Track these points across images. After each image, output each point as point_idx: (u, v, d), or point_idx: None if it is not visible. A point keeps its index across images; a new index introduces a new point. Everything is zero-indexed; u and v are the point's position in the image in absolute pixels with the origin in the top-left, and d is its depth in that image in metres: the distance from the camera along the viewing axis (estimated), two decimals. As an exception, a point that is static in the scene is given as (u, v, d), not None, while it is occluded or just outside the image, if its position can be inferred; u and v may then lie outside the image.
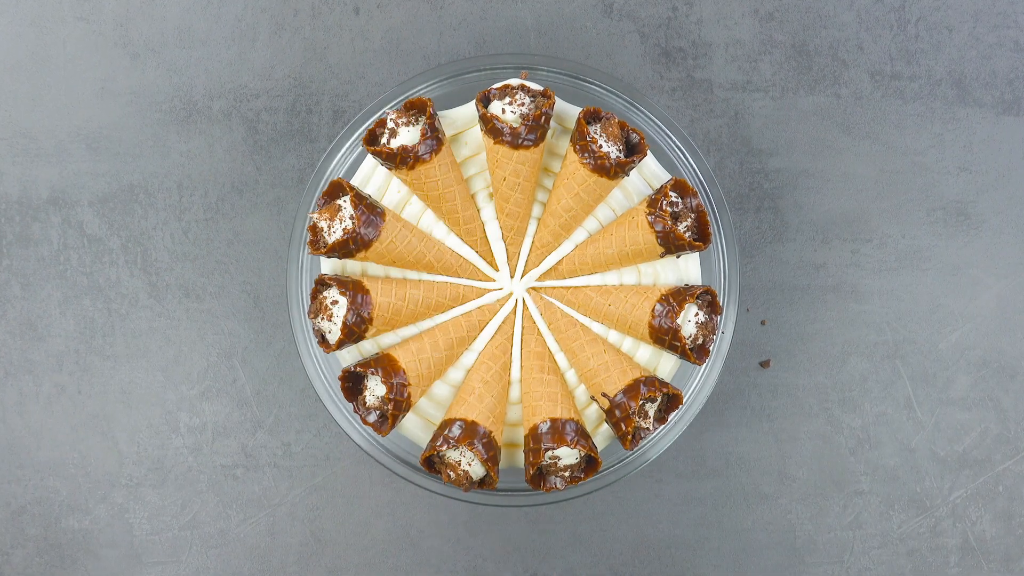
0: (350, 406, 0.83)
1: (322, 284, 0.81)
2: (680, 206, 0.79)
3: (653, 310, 0.81)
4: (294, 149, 0.91)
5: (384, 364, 0.80)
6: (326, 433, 0.91)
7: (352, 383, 0.81)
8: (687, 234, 0.79)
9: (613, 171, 0.77)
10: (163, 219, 0.91)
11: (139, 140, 0.91)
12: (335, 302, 0.79)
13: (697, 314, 0.80)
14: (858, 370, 0.92)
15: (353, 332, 0.79)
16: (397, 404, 0.79)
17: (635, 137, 0.79)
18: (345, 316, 0.79)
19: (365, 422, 0.80)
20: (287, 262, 0.83)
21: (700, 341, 0.81)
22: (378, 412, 0.80)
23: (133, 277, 0.91)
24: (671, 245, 0.79)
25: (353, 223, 0.78)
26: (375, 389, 0.79)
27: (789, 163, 0.92)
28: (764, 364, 0.92)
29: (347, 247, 0.78)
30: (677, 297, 0.80)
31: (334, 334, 0.80)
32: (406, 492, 0.92)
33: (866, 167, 0.92)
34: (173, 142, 0.91)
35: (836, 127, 0.92)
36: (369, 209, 0.79)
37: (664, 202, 0.78)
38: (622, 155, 0.78)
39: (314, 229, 0.79)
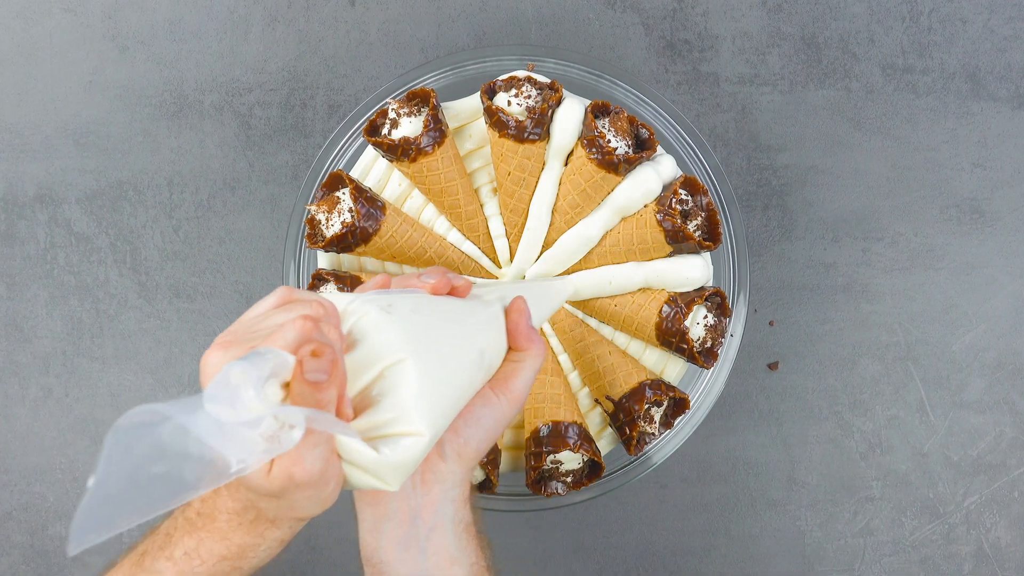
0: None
1: (319, 279, 0.79)
2: (690, 204, 0.77)
3: (660, 311, 0.78)
4: (288, 145, 0.90)
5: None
6: (321, 437, 0.89)
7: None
8: (697, 233, 0.77)
9: (621, 167, 0.75)
10: (153, 217, 0.90)
11: (128, 135, 0.90)
12: None
13: (706, 316, 0.78)
14: (869, 372, 0.90)
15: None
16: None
17: (644, 132, 0.77)
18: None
19: None
20: (283, 257, 0.82)
21: (708, 344, 0.79)
22: None
23: (122, 276, 0.90)
24: (681, 245, 0.77)
25: (352, 216, 0.76)
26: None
27: (798, 159, 0.90)
28: (772, 366, 0.90)
29: (346, 241, 0.76)
30: (685, 298, 0.78)
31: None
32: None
33: (877, 163, 0.90)
34: (163, 137, 0.90)
35: (846, 122, 0.90)
36: (369, 202, 0.77)
37: (673, 200, 0.76)
38: (630, 151, 0.76)
39: (312, 222, 0.78)
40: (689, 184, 0.78)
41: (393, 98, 0.79)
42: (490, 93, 0.77)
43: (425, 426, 0.52)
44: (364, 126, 0.78)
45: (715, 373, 0.82)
